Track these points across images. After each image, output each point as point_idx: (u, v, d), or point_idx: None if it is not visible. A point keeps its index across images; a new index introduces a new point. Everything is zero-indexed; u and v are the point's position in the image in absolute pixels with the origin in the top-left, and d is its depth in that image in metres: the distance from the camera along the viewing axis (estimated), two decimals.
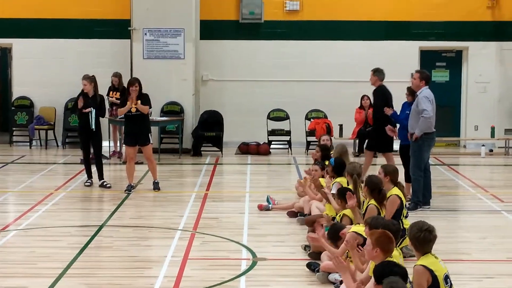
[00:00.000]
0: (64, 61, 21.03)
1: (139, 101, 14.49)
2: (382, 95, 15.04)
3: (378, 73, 15.41)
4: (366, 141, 16.41)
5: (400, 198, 10.32)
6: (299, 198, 13.00)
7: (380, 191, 10.02)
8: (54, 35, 21.20)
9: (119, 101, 16.47)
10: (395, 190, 10.40)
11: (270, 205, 13.10)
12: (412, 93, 13.84)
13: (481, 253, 10.55)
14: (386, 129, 14.62)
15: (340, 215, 10.24)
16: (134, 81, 14.86)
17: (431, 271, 6.92)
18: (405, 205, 10.53)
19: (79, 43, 21.18)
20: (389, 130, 14.58)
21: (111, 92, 18.97)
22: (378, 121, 15.07)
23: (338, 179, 11.47)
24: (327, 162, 13.05)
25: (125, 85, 17.17)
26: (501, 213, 13.12)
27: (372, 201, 9.97)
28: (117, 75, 19.13)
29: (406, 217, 10.46)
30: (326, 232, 9.57)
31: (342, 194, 10.35)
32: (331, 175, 11.91)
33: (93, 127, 14.95)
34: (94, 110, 14.94)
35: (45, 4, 21.27)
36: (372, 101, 15.76)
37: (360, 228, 8.98)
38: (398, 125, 14.41)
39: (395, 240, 7.58)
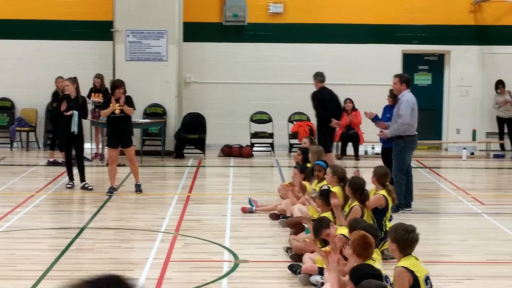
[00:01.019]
0: (46, 63, 20.95)
1: (124, 103, 14.44)
2: (316, 97, 15.76)
3: (317, 76, 16.13)
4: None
5: (386, 199, 10.38)
6: (281, 200, 13.00)
7: (363, 192, 10.05)
8: (36, 36, 21.14)
9: (101, 102, 16.46)
10: (383, 192, 10.47)
11: (253, 208, 13.10)
12: (392, 96, 13.93)
13: (462, 255, 10.61)
14: (332, 123, 15.32)
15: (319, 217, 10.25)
16: (121, 83, 14.78)
17: (412, 272, 6.94)
18: (391, 207, 10.57)
19: (61, 44, 21.13)
20: (334, 123, 15.37)
21: (93, 94, 18.95)
22: (320, 121, 15.72)
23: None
24: (308, 165, 13.09)
25: (107, 86, 17.25)
26: (481, 216, 13.18)
27: (356, 202, 10.00)
28: (99, 77, 19.12)
29: (390, 220, 10.50)
30: (312, 226, 9.56)
31: (325, 195, 10.37)
32: (321, 178, 11.85)
33: (75, 130, 14.90)
34: (76, 113, 14.90)
35: (27, 5, 21.21)
36: (313, 104, 16.20)
37: (346, 230, 8.99)
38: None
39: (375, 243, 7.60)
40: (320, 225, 9.39)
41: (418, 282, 6.95)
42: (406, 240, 7.07)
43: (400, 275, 6.95)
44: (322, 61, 21.31)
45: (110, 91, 14.91)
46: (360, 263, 7.34)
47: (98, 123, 18.26)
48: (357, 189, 10.09)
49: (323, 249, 9.02)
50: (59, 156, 17.74)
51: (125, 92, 14.62)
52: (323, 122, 15.84)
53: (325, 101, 15.68)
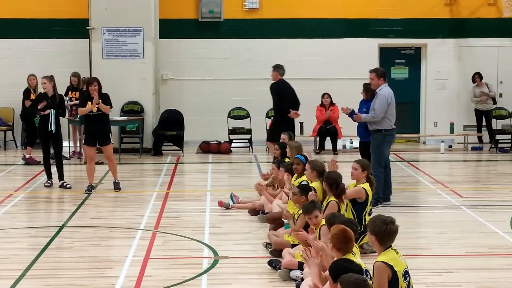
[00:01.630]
0: (22, 61, 20.81)
1: (100, 101, 14.39)
2: (275, 90, 16.06)
3: (278, 68, 16.35)
4: (268, 133, 16.89)
5: (367, 193, 10.40)
6: (259, 197, 12.99)
7: (338, 186, 10.06)
8: (11, 35, 21.01)
9: (78, 101, 16.40)
10: (365, 185, 10.52)
11: (230, 204, 13.08)
12: (366, 90, 13.97)
13: (441, 248, 10.65)
14: (291, 113, 15.77)
15: (299, 213, 10.24)
16: (93, 80, 14.78)
17: (391, 267, 6.96)
18: (370, 201, 10.60)
19: (37, 43, 21.01)
20: (293, 113, 15.83)
21: (70, 92, 18.87)
22: (278, 113, 16.06)
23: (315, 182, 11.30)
24: (287, 160, 13.10)
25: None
26: (460, 208, 13.24)
27: (332, 197, 10.02)
28: (76, 75, 19.06)
29: (370, 214, 10.51)
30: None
31: (304, 190, 10.38)
32: (300, 172, 11.83)
33: (53, 128, 14.84)
34: (54, 111, 14.83)
35: (2, 3, 21.07)
36: (272, 97, 16.41)
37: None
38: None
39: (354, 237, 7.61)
40: (314, 205, 9.37)
41: (397, 276, 6.96)
42: (384, 231, 7.08)
43: (379, 270, 6.96)
44: (298, 56, 21.35)
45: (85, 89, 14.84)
46: (339, 258, 7.35)
47: (76, 121, 18.18)
48: (333, 183, 10.09)
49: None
50: (36, 155, 17.65)
51: (101, 89, 14.56)
52: (281, 114, 16.15)
53: (283, 93, 16.12)
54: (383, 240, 7.09)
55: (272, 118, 17.20)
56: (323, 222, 9.07)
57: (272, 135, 16.17)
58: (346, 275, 6.57)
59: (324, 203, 10.18)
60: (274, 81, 16.32)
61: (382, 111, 13.07)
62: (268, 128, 17.31)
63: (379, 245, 7.14)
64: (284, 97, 16.11)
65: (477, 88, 21.31)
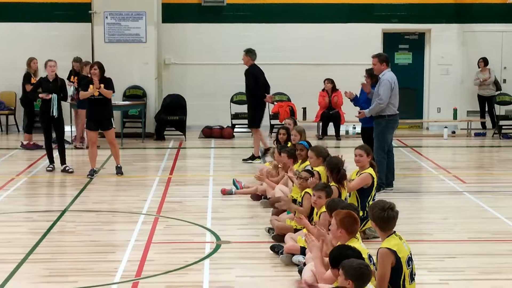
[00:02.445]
0: (24, 45, 20.73)
1: (102, 85, 14.36)
2: (251, 74, 16.22)
3: (250, 53, 16.49)
4: (250, 120, 17.08)
5: (372, 178, 10.38)
6: (262, 182, 12.94)
7: (339, 171, 10.04)
8: (13, 18, 20.96)
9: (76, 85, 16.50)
10: (370, 170, 10.48)
11: (233, 190, 13.06)
12: (370, 75, 13.91)
13: (443, 234, 10.63)
14: (267, 98, 16.31)
15: (301, 194, 10.24)
16: (94, 63, 14.77)
17: (395, 254, 6.94)
18: (375, 187, 10.56)
19: (39, 26, 20.96)
20: (268, 98, 16.38)
21: (72, 77, 18.81)
22: (253, 98, 16.33)
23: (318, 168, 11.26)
24: (289, 144, 13.07)
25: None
26: (463, 194, 13.21)
27: (333, 183, 9.99)
28: (78, 60, 18.97)
29: (373, 199, 10.47)
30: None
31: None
32: (304, 158, 11.82)
33: (55, 113, 14.81)
34: (56, 96, 14.80)
35: None
36: (246, 81, 16.55)
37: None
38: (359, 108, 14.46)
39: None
40: (324, 186, 9.44)
41: (401, 263, 6.96)
42: (383, 218, 7.08)
43: (383, 256, 6.95)
44: (301, 41, 21.30)
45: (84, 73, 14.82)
46: (342, 244, 7.34)
47: (73, 104, 18.16)
48: (333, 168, 10.08)
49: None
50: (38, 139, 17.64)
51: (103, 73, 14.51)
52: (257, 98, 16.45)
53: (258, 77, 16.33)
54: (382, 226, 7.10)
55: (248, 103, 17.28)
56: (324, 209, 9.07)
57: (255, 121, 16.58)
58: (348, 260, 6.57)
59: None
60: (247, 66, 16.49)
61: (387, 96, 13.01)
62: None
63: (380, 231, 7.15)
64: (260, 83, 16.34)
65: (481, 74, 21.24)
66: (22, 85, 18.41)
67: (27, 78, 18.23)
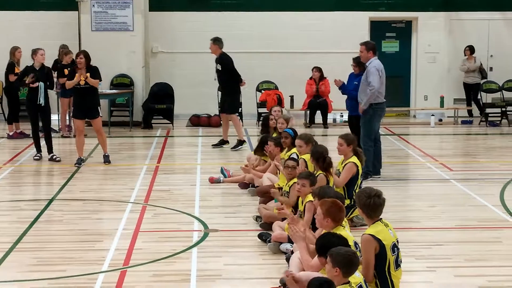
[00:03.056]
0: (11, 34, 20.62)
1: (88, 74, 14.31)
2: (228, 60, 16.55)
3: (218, 42, 16.71)
4: (228, 106, 17.13)
5: (357, 166, 10.39)
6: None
7: (325, 159, 10.05)
8: (0, 7, 20.85)
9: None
10: (354, 159, 10.48)
11: (221, 178, 13.07)
12: (358, 64, 13.93)
13: (431, 221, 10.68)
14: (242, 83, 16.73)
15: (289, 184, 10.25)
16: (79, 52, 14.73)
17: (379, 240, 6.97)
18: (361, 174, 10.58)
19: (26, 15, 20.87)
20: (244, 82, 16.84)
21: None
22: (231, 84, 16.68)
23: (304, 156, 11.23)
24: (275, 134, 13.05)
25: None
26: (450, 182, 13.26)
27: (320, 171, 10.01)
28: (65, 47, 18.83)
29: (360, 187, 10.49)
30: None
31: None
32: (288, 145, 11.82)
33: (42, 101, 14.78)
34: (43, 84, 14.76)
35: None
36: (220, 68, 16.73)
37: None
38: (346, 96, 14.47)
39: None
40: (309, 175, 9.45)
41: (385, 249, 6.99)
42: (369, 205, 7.12)
43: (366, 242, 6.99)
44: (289, 29, 21.28)
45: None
46: (327, 232, 7.37)
47: (57, 91, 18.11)
48: (319, 157, 10.09)
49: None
50: (24, 128, 17.58)
51: (89, 62, 14.44)
52: (234, 83, 16.79)
53: (232, 64, 16.70)
54: (368, 213, 7.15)
55: (222, 90, 17.34)
56: (309, 198, 9.09)
57: (235, 107, 17.14)
58: (335, 248, 6.60)
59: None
60: (216, 55, 16.73)
61: (378, 81, 13.00)
62: (220, 101, 17.51)
63: (366, 218, 7.20)
64: (233, 68, 16.68)
65: (467, 62, 21.28)
66: (5, 74, 18.20)
67: (10, 67, 17.99)
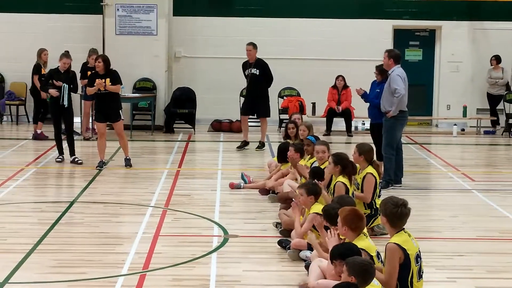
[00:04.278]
0: (35, 36, 20.77)
1: (108, 80, 14.31)
2: (266, 65, 17.19)
3: (256, 47, 17.32)
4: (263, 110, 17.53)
5: (374, 176, 10.33)
6: (270, 177, 12.92)
7: (353, 165, 10.02)
8: (25, 9, 20.98)
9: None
10: (370, 169, 10.39)
11: (242, 184, 13.06)
12: (381, 72, 13.87)
13: (452, 231, 10.61)
14: None
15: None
16: (98, 56, 14.83)
17: (404, 250, 6.94)
18: (379, 184, 10.53)
19: (51, 18, 21.00)
20: None
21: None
22: (265, 87, 17.20)
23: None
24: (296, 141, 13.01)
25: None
26: (471, 192, 13.19)
27: (340, 178, 9.94)
28: (95, 51, 18.85)
29: (379, 196, 10.43)
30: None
31: (317, 173, 10.38)
32: (311, 153, 11.80)
33: (65, 103, 14.84)
34: (66, 86, 14.83)
35: None
36: (257, 73, 17.12)
37: (319, 207, 9.01)
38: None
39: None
40: (308, 185, 9.40)
41: (409, 259, 6.95)
42: (395, 214, 7.08)
43: (391, 251, 6.95)
44: (311, 36, 21.29)
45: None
46: (340, 243, 7.33)
47: (80, 95, 18.21)
48: (347, 164, 10.01)
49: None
50: (47, 130, 17.66)
51: (108, 66, 14.41)
52: (266, 88, 17.30)
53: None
54: (394, 222, 7.09)
55: (256, 94, 17.33)
56: (314, 209, 9.06)
57: (269, 110, 17.44)
58: (352, 258, 6.57)
59: (332, 184, 10.12)
60: (253, 59, 17.17)
61: (402, 87, 12.91)
62: (248, 104, 17.53)
63: (390, 227, 7.14)
64: (271, 73, 17.24)
65: (493, 71, 21.16)
66: (31, 75, 18.38)
67: (37, 69, 18.19)
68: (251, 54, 17.07)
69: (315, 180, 9.90)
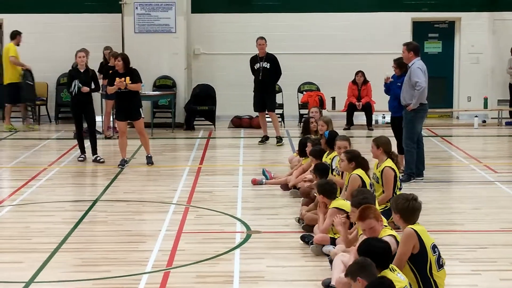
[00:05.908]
0: (55, 36, 20.90)
1: (128, 79, 14.33)
2: (277, 59, 17.33)
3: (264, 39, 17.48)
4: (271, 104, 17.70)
5: (393, 169, 10.30)
6: (292, 172, 12.92)
7: (364, 159, 10.03)
8: (44, 10, 21.08)
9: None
10: (389, 162, 10.37)
11: (264, 180, 13.07)
12: (399, 65, 13.81)
13: (475, 224, 10.58)
14: None
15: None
16: (118, 55, 14.87)
17: (420, 238, 6.93)
18: (399, 177, 10.51)
19: (70, 17, 21.08)
20: None
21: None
22: (274, 82, 17.56)
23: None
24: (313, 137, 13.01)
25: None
26: (494, 184, 13.14)
27: (356, 171, 9.90)
28: (108, 48, 18.90)
29: (400, 189, 10.42)
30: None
31: (321, 169, 10.47)
32: (325, 147, 11.85)
33: (74, 90, 14.78)
34: (77, 81, 14.79)
35: None
36: (268, 66, 17.29)
37: (340, 203, 9.02)
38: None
39: None
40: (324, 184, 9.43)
41: (425, 248, 6.93)
42: (407, 208, 7.10)
43: (407, 235, 6.95)
44: (330, 30, 21.25)
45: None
46: (369, 237, 7.29)
47: (102, 94, 18.25)
48: (357, 157, 10.01)
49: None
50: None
51: (128, 64, 14.47)
52: (276, 82, 17.74)
53: None
54: (407, 217, 7.12)
55: (266, 88, 17.36)
56: (334, 204, 9.08)
57: (276, 104, 18.04)
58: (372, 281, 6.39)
59: (346, 179, 10.08)
60: (264, 53, 17.33)
61: (423, 79, 12.88)
62: (261, 99, 17.51)
63: (403, 223, 7.15)
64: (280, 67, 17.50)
65: None
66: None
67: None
68: (263, 48, 17.24)
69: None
